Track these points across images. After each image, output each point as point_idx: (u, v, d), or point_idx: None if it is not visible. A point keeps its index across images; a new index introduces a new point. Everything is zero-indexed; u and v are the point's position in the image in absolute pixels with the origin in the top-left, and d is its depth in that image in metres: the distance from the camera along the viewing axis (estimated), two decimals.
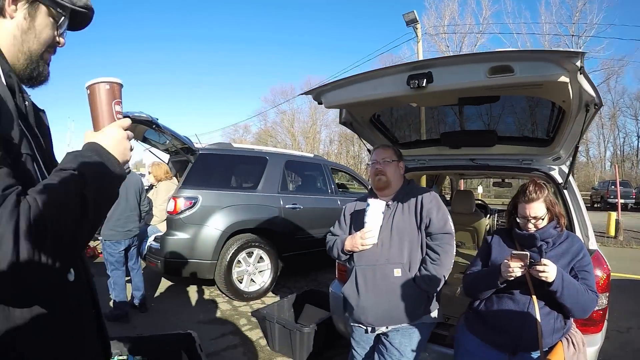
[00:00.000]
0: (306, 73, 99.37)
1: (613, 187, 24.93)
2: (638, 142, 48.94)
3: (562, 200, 3.32)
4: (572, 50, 2.12)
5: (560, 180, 3.37)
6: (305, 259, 6.93)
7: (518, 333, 2.35)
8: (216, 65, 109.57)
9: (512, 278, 2.31)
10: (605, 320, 2.96)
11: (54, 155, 1.29)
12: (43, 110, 1.31)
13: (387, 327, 2.70)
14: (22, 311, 0.99)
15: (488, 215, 6.63)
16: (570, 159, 3.52)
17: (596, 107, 2.61)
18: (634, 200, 28.93)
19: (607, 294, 2.86)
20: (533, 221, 2.43)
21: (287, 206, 6.72)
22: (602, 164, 51.38)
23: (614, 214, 14.75)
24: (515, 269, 2.27)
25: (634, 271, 8.59)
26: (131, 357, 3.53)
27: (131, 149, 1.22)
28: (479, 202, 7.56)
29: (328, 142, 60.40)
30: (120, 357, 3.49)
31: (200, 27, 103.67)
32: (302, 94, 3.38)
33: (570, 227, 3.20)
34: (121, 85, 1.22)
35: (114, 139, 1.15)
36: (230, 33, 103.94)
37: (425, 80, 2.53)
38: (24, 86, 1.22)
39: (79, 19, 1.31)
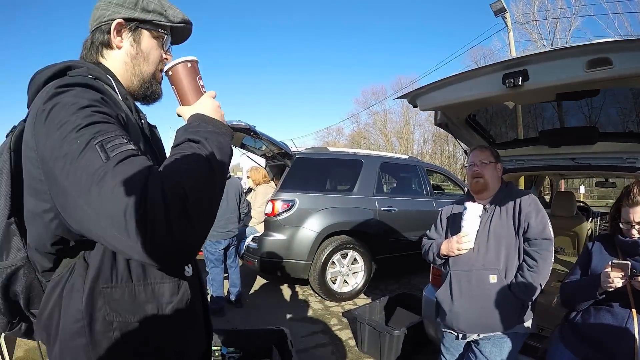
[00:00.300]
0: (396, 72, 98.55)
1: None
2: None
3: None
4: None
5: None
6: (399, 262, 6.89)
7: (613, 350, 2.19)
8: (307, 68, 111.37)
9: (612, 289, 2.15)
10: None
11: None
12: (155, 126, 1.45)
13: (478, 335, 2.64)
14: (146, 294, 1.13)
15: (590, 219, 6.24)
16: None
17: None
18: None
19: None
20: (637, 227, 2.25)
21: (382, 208, 6.71)
22: None
23: None
24: (616, 279, 2.11)
25: None
26: (225, 348, 3.71)
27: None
28: (581, 204, 7.12)
29: (422, 142, 59.20)
30: (214, 348, 3.66)
31: (289, 31, 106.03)
32: (397, 98, 3.39)
33: None
34: (197, 61, 1.29)
35: (211, 107, 1.22)
36: (319, 35, 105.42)
37: (520, 78, 2.46)
38: (139, 105, 1.36)
39: (180, 33, 1.42)
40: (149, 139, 1.31)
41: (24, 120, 1.11)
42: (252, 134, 5.60)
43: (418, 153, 57.33)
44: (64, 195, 0.94)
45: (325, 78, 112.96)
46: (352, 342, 4.69)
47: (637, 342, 2.10)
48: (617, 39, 2.16)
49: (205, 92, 1.28)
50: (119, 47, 1.28)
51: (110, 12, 1.24)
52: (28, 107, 1.11)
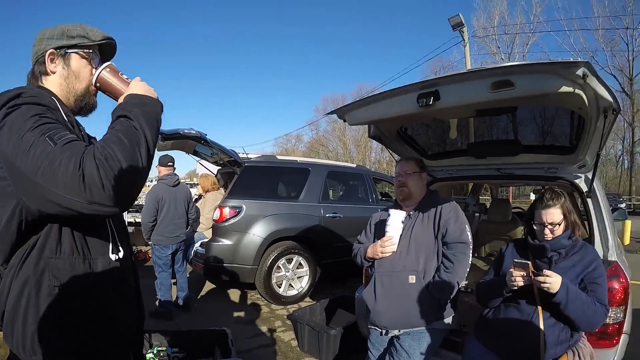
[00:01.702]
0: (357, 81, 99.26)
1: None
2: None
3: (585, 208, 3.33)
4: (571, 60, 2.15)
5: (585, 188, 3.35)
6: (344, 266, 6.94)
7: (520, 342, 2.40)
8: (268, 77, 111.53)
9: (516, 287, 2.38)
10: (624, 334, 2.89)
11: None
12: (95, 137, 1.66)
13: (399, 331, 2.84)
14: (84, 266, 1.40)
15: None
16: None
17: (614, 112, 2.60)
18: None
19: (624, 307, 2.82)
20: (550, 227, 2.50)
21: (327, 215, 6.89)
22: None
23: None
24: (518, 278, 2.34)
25: None
26: (169, 349, 3.83)
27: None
28: (519, 210, 7.46)
29: (380, 150, 59.80)
30: (160, 348, 3.80)
31: (251, 42, 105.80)
32: (327, 114, 3.58)
33: (591, 236, 3.21)
34: (113, 65, 1.55)
35: (139, 86, 1.47)
36: (280, 45, 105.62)
37: (432, 98, 2.66)
38: (77, 118, 1.58)
39: (107, 51, 1.65)
40: None
41: None
42: (202, 142, 5.76)
43: (375, 160, 57.90)
44: (25, 180, 1.16)
45: (286, 85, 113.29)
46: (295, 343, 4.83)
47: (542, 334, 2.32)
48: (518, 62, 2.38)
49: (129, 82, 1.52)
50: (54, 72, 1.51)
51: (44, 46, 1.48)
52: None
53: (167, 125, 6.59)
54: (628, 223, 13.40)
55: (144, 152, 1.27)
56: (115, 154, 1.18)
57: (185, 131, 5.55)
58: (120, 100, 1.43)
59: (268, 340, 4.95)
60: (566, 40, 43.72)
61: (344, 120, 3.40)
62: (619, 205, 19.96)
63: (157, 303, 5.59)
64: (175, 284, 5.89)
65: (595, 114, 2.65)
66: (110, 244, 1.51)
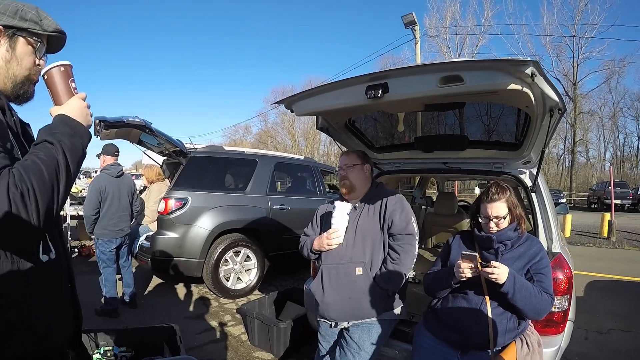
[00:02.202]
0: (307, 73, 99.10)
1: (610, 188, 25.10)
2: (638, 143, 49.19)
3: (530, 203, 3.42)
4: (521, 59, 2.18)
5: (529, 183, 3.44)
6: (292, 258, 7.00)
7: (469, 332, 2.44)
8: (219, 67, 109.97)
9: (464, 279, 2.42)
10: (569, 322, 3.01)
11: None
12: (28, 123, 1.53)
13: (348, 323, 2.85)
14: (13, 269, 1.28)
15: None
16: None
17: (560, 112, 2.67)
18: (630, 201, 28.87)
19: (569, 296, 2.91)
20: (495, 220, 2.54)
21: (274, 207, 6.87)
22: (601, 165, 51.37)
23: (608, 215, 14.85)
24: (466, 269, 2.38)
25: (622, 272, 8.66)
26: (116, 348, 3.71)
27: (90, 116, 1.46)
28: (465, 203, 7.64)
29: (328, 143, 60.01)
30: (107, 348, 3.67)
31: (202, 30, 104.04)
32: (274, 104, 3.52)
33: (535, 229, 3.30)
34: (71, 66, 1.45)
35: (77, 108, 1.39)
36: (232, 34, 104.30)
37: (381, 90, 2.63)
38: (12, 104, 1.46)
39: (55, 43, 1.53)
40: (19, 134, 1.40)
41: None
42: (147, 130, 5.60)
43: (324, 153, 58.00)
44: None
45: (236, 75, 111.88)
46: (245, 337, 4.80)
47: (491, 323, 2.37)
48: (468, 58, 2.41)
49: (76, 93, 1.43)
50: None
51: None
52: None
53: (111, 113, 6.36)
54: (569, 217, 14.17)
55: (62, 189, 1.23)
56: (31, 191, 1.13)
57: (130, 119, 5.38)
58: (56, 112, 1.36)
59: (218, 335, 4.90)
60: (514, 45, 45.56)
61: (291, 111, 3.36)
62: (560, 200, 20.98)
63: (102, 300, 5.40)
64: (120, 279, 5.71)
65: (541, 113, 2.70)
66: (40, 243, 1.37)
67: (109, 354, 3.62)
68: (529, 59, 2.15)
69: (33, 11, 1.40)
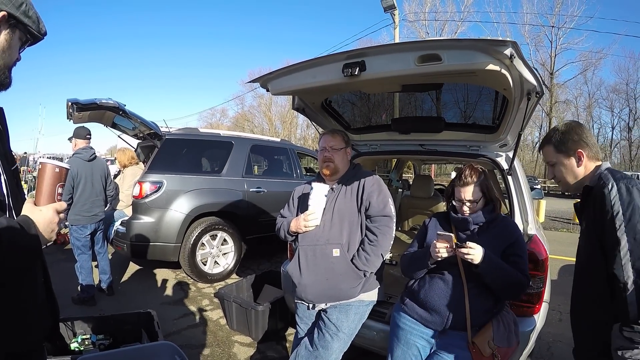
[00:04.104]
0: (285, 56, 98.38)
1: None
2: (612, 133, 50.32)
3: (506, 185, 3.44)
4: (500, 39, 2.17)
5: (505, 166, 3.45)
6: (270, 241, 7.04)
7: (446, 312, 2.45)
8: (195, 48, 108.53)
9: (440, 259, 2.42)
10: (545, 303, 3.06)
11: (10, 149, 1.50)
12: (1, 107, 1.48)
13: (326, 304, 2.84)
14: None
15: None
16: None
17: (537, 95, 2.67)
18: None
19: (544, 278, 2.95)
20: (468, 204, 2.55)
21: (251, 190, 6.83)
22: None
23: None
24: (442, 249, 2.38)
25: None
26: (94, 336, 3.67)
27: (59, 230, 1.42)
28: (441, 186, 7.69)
29: (305, 127, 60.00)
30: (84, 336, 3.63)
31: (177, 10, 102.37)
32: (249, 82, 3.44)
33: (511, 212, 3.32)
34: (67, 170, 1.45)
35: (46, 219, 1.34)
36: (209, 16, 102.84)
37: (358, 68, 2.59)
38: None
39: (34, 41, 1.48)
40: None
41: None
42: (121, 112, 5.49)
43: (301, 137, 58.07)
44: None
45: (212, 57, 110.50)
46: (223, 321, 4.79)
47: (467, 303, 2.38)
48: (446, 37, 2.39)
49: (58, 200, 1.40)
50: None
51: None
52: None
53: (82, 95, 6.21)
54: (543, 202, 14.43)
55: None
56: None
57: (103, 101, 5.28)
58: (29, 210, 1.33)
59: (196, 320, 4.89)
60: (493, 33, 45.97)
61: (267, 90, 3.30)
62: (534, 186, 21.28)
63: (78, 288, 5.29)
64: (96, 266, 5.62)
65: (519, 96, 2.71)
66: None
67: (86, 342, 3.60)
68: (508, 39, 2.14)
69: (34, 10, 1.39)
